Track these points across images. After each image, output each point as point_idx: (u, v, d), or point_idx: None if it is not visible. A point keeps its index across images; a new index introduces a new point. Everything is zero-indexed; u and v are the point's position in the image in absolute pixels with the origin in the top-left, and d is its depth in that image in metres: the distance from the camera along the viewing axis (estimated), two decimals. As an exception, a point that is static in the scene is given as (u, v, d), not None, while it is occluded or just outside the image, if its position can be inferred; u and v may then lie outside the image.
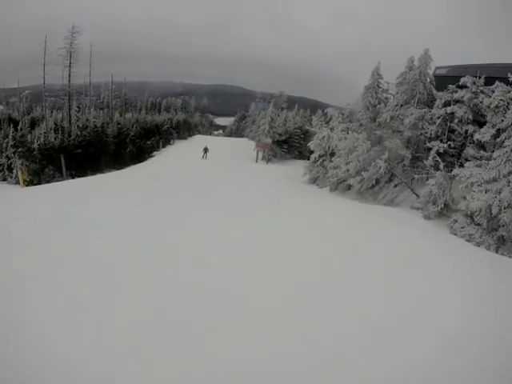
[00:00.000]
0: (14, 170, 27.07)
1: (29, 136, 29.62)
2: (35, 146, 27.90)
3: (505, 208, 12.02)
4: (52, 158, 27.93)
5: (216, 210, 13.66)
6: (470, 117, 17.23)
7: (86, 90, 38.46)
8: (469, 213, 13.13)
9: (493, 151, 14.32)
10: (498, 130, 14.81)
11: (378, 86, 22.73)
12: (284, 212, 14.52)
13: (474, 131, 16.71)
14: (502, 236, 12.24)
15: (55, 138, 28.95)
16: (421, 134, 19.14)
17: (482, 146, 16.43)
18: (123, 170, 29.97)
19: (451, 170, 15.32)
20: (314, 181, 25.59)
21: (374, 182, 18.79)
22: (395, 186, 18.79)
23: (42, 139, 28.46)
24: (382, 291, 7.68)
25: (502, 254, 11.87)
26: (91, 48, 34.86)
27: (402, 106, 20.31)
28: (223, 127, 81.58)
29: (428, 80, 20.02)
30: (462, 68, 20.27)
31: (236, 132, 69.89)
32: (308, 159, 27.23)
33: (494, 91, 16.08)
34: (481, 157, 15.20)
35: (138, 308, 6.37)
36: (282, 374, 4.98)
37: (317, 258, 9.42)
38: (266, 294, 7.16)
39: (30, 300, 6.35)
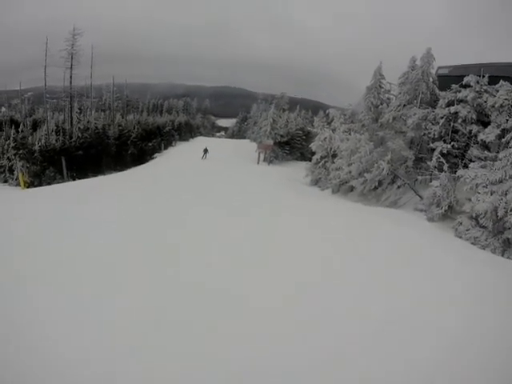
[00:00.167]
0: (15, 172, 27.07)
1: (30, 138, 29.68)
2: (36, 147, 27.93)
3: (511, 210, 11.75)
4: (53, 160, 27.95)
5: (217, 210, 13.64)
6: (474, 116, 17.01)
7: (87, 92, 38.56)
8: (474, 215, 12.82)
9: (497, 152, 14.17)
10: (503, 130, 14.68)
11: (380, 86, 22.60)
12: (285, 213, 14.41)
13: (478, 131, 16.50)
14: (508, 239, 11.93)
15: (56, 140, 28.97)
16: (424, 135, 18.96)
17: (486, 146, 16.22)
18: (124, 172, 29.97)
19: (455, 171, 15.13)
20: (315, 182, 25.48)
21: (376, 183, 18.63)
22: (398, 187, 18.64)
23: (43, 141, 28.51)
24: (383, 291, 7.62)
25: (508, 257, 11.54)
26: (92, 50, 35.03)
27: (404, 106, 20.18)
28: (225, 129, 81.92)
29: (431, 80, 19.89)
30: (464, 67, 20.15)
31: (238, 133, 70.14)
32: (310, 161, 27.19)
33: (498, 90, 15.95)
34: (485, 157, 14.94)
35: (139, 308, 6.36)
36: (283, 374, 4.95)
37: (317, 257, 9.37)
38: (267, 294, 7.13)
39: (31, 300, 6.35)
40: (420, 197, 16.88)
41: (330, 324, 6.25)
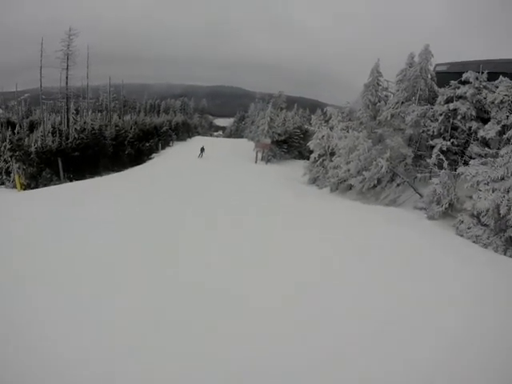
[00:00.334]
0: (12, 174, 26.85)
1: (26, 139, 29.42)
2: (32, 149, 27.68)
3: (514, 208, 11.55)
4: (49, 162, 27.66)
5: (215, 209, 13.74)
6: (474, 113, 16.90)
7: (84, 93, 38.28)
8: (475, 213, 12.63)
9: (498, 148, 14.02)
10: (504, 126, 14.54)
11: (378, 83, 22.54)
12: (283, 213, 14.42)
13: (478, 128, 16.38)
14: (511, 237, 11.70)
15: (53, 141, 28.69)
16: (423, 132, 18.85)
17: (486, 143, 16.06)
18: (122, 173, 29.80)
19: (455, 169, 15.05)
20: (313, 181, 25.34)
21: (375, 181, 18.47)
22: (397, 185, 18.50)
23: (39, 142, 28.24)
24: (382, 291, 7.64)
25: (511, 256, 11.34)
26: (88, 50, 34.71)
27: (402, 103, 20.09)
28: (223, 128, 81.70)
29: (429, 76, 19.73)
30: (462, 64, 20.08)
31: (236, 133, 69.98)
32: (308, 159, 27.01)
33: (497, 86, 15.85)
34: (486, 154, 14.72)
35: (138, 308, 6.41)
36: (282, 374, 4.98)
37: (317, 257, 9.41)
38: (266, 294, 7.17)
39: (30, 300, 6.41)
40: (420, 195, 16.75)
41: (329, 324, 6.28)
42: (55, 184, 25.30)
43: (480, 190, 12.57)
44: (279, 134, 37.07)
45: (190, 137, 56.78)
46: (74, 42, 31.20)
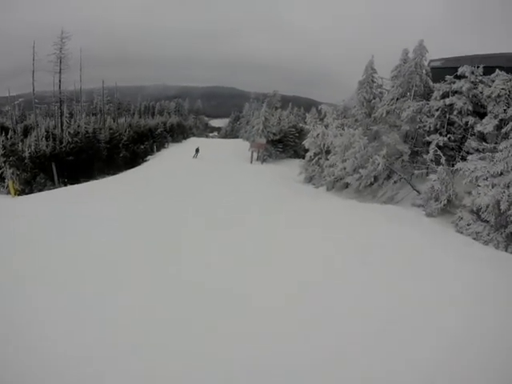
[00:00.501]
0: (6, 180, 26.61)
1: (20, 144, 29.15)
2: (26, 154, 27.45)
3: (514, 203, 11.35)
4: (43, 166, 27.49)
5: (214, 209, 13.92)
6: (470, 108, 16.77)
7: (77, 96, 38.01)
8: (475, 209, 12.47)
9: (496, 143, 13.85)
10: (501, 120, 14.40)
11: (373, 80, 22.38)
12: (280, 212, 14.40)
13: (475, 123, 16.26)
14: (512, 233, 11.57)
15: (46, 146, 28.49)
16: (419, 128, 18.77)
17: (483, 137, 15.92)
18: (116, 176, 29.59)
19: (453, 164, 14.92)
20: (309, 180, 25.27)
21: (372, 179, 18.39)
22: (395, 182, 18.44)
23: (33, 147, 28.01)
24: (384, 290, 7.64)
25: (512, 252, 11.17)
26: (81, 53, 34.49)
27: (398, 99, 19.94)
28: (218, 129, 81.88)
29: (424, 72, 19.62)
30: (456, 59, 19.94)
31: (231, 133, 70.06)
32: (303, 158, 26.88)
33: (493, 80, 15.71)
34: (483, 149, 14.61)
35: (141, 306, 6.48)
36: (285, 373, 5.01)
37: (319, 256, 9.43)
38: (269, 293, 7.21)
39: (31, 298, 6.50)
40: (417, 191, 16.62)
41: (331, 323, 6.30)
42: (49, 189, 25.12)
43: (479, 186, 12.40)
44: (274, 134, 37.04)
45: (185, 138, 56.55)
46: (66, 45, 31.06)
